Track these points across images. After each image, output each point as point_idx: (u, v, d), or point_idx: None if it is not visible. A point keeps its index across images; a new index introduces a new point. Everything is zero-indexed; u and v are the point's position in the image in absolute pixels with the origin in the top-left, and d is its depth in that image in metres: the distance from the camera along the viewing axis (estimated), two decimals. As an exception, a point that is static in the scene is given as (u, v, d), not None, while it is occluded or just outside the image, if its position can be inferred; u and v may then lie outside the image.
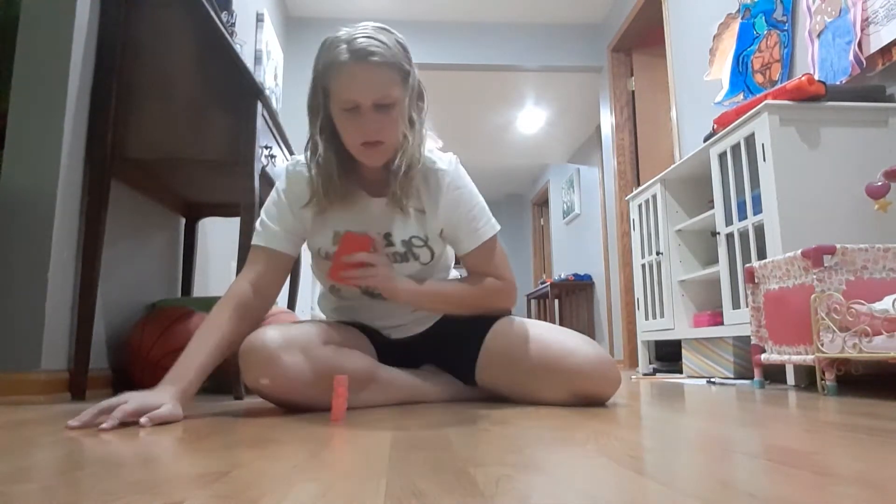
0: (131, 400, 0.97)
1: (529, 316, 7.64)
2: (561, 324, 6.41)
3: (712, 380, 2.38)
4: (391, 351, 1.38)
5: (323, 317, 1.50)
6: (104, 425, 0.91)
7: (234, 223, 1.92)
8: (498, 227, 1.34)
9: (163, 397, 1.01)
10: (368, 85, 1.11)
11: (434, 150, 1.30)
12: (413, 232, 1.28)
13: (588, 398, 1.25)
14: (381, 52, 1.11)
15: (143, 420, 0.94)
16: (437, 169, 1.27)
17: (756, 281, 1.97)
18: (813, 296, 1.61)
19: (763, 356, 1.90)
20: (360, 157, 1.19)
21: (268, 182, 1.91)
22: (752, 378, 2.02)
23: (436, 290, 1.30)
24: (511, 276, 1.36)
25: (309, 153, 1.23)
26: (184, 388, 1.06)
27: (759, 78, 2.71)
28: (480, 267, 1.33)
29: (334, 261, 1.20)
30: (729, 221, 2.36)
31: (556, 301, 6.64)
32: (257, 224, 1.29)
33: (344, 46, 1.11)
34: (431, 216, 1.28)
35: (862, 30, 2.07)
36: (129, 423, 0.95)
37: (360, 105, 1.12)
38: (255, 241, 1.28)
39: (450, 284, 1.36)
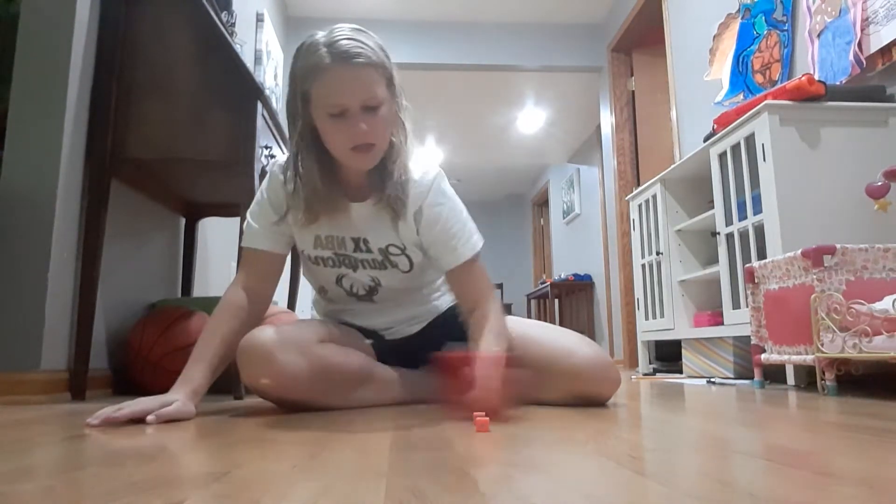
0: (145, 401, 1.02)
1: (529, 316, 7.64)
2: (561, 324, 6.41)
3: (712, 380, 2.38)
4: (390, 351, 1.38)
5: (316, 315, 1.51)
6: (116, 414, 0.97)
7: (234, 223, 1.92)
8: (479, 247, 1.28)
9: (173, 397, 1.06)
10: (355, 87, 1.08)
11: (419, 159, 1.27)
12: (390, 240, 1.27)
13: (587, 399, 1.25)
14: (366, 54, 1.08)
15: (149, 418, 0.99)
16: (414, 181, 1.24)
17: (756, 281, 1.96)
18: (813, 296, 1.61)
19: (763, 356, 1.90)
20: (350, 161, 1.16)
21: (268, 182, 1.91)
22: (752, 378, 2.02)
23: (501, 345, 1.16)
24: (492, 290, 1.29)
25: (290, 166, 1.19)
26: (193, 387, 1.10)
27: (759, 78, 2.71)
28: (461, 284, 1.28)
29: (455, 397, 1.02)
30: (729, 221, 2.36)
31: (556, 301, 6.64)
32: (245, 225, 1.30)
33: (324, 50, 1.07)
34: (404, 227, 1.25)
35: (862, 30, 2.07)
36: (139, 421, 0.99)
37: (348, 109, 1.09)
38: (243, 242, 1.29)
39: (493, 337, 1.17)
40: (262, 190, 1.28)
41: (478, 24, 4.70)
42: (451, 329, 1.38)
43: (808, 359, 1.67)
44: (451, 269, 1.27)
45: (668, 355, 3.23)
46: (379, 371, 1.31)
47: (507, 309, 7.60)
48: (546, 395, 1.27)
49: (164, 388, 1.09)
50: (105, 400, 1.59)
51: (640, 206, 3.28)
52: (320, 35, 1.10)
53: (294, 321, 1.33)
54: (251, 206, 1.29)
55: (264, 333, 1.15)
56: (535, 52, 4.74)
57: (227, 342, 1.17)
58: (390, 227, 1.26)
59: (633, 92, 4.50)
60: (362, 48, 1.08)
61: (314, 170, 1.17)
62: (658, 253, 3.02)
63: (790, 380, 1.96)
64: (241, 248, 1.31)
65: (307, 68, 1.09)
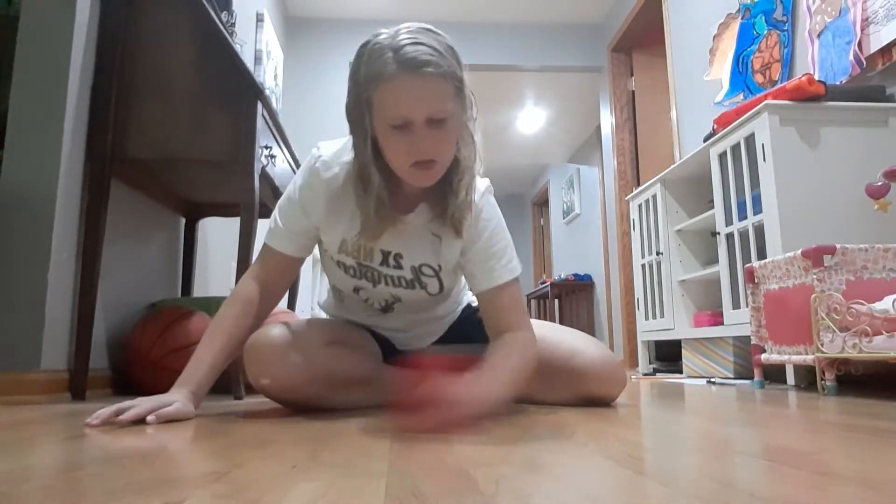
0: (145, 401, 1.01)
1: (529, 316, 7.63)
2: (561, 324, 6.40)
3: (712, 380, 2.38)
4: (396, 353, 1.38)
5: (324, 314, 1.50)
6: (121, 417, 0.96)
7: (234, 223, 1.92)
8: (518, 272, 1.18)
9: (173, 397, 1.04)
10: (421, 99, 0.98)
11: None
12: (425, 259, 1.19)
13: (594, 399, 1.25)
14: (435, 62, 0.98)
15: (149, 418, 0.97)
16: (475, 201, 1.15)
17: (756, 281, 1.96)
18: (813, 296, 1.61)
19: (763, 356, 1.90)
20: (410, 178, 1.06)
21: (268, 182, 1.91)
22: (752, 378, 2.02)
23: (505, 381, 1.05)
24: (528, 324, 1.17)
25: (357, 176, 1.10)
26: (193, 388, 1.08)
27: (759, 78, 2.71)
28: (491, 310, 1.18)
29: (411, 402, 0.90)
30: (729, 221, 2.36)
31: (556, 301, 6.64)
32: (271, 219, 1.23)
33: (390, 55, 0.97)
34: (447, 244, 1.16)
35: (862, 30, 2.07)
36: (139, 420, 0.99)
37: (412, 121, 0.99)
38: (265, 238, 1.23)
39: (505, 370, 1.07)
40: (296, 188, 1.17)
41: (478, 24, 4.70)
42: (462, 336, 1.38)
43: (808, 359, 1.67)
44: (484, 292, 1.16)
45: (668, 355, 3.23)
46: (385, 373, 1.31)
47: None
48: (552, 396, 1.27)
49: (164, 388, 1.09)
50: (105, 400, 1.59)
51: (640, 206, 3.28)
52: (385, 37, 1.01)
53: (301, 320, 1.32)
54: (281, 202, 1.20)
55: (272, 332, 1.15)
56: (535, 52, 4.74)
57: (234, 338, 1.14)
58: (429, 245, 1.17)
59: (633, 92, 4.50)
60: (432, 55, 0.98)
61: (381, 184, 1.07)
62: (658, 253, 3.02)
63: (790, 380, 1.96)
64: (241, 241, 1.27)
65: (371, 75, 0.99)
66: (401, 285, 1.21)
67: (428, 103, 0.99)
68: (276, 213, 1.21)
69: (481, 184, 1.18)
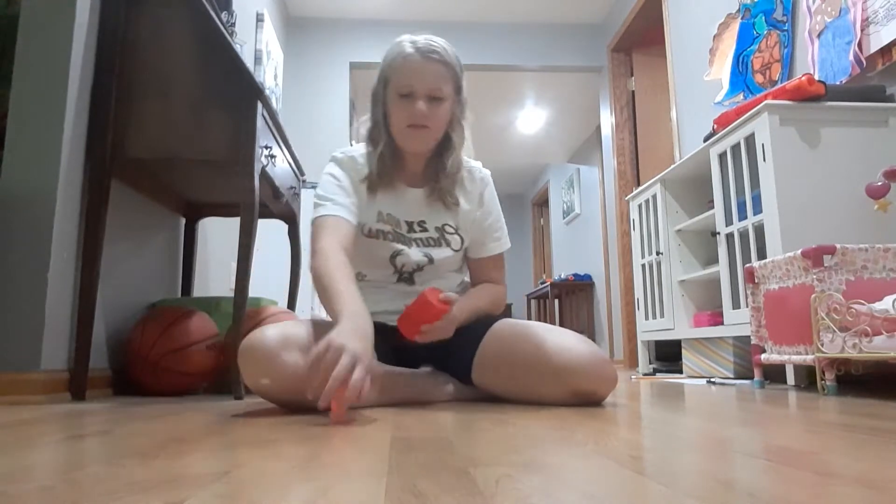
0: (347, 357, 0.95)
1: (529, 316, 7.64)
2: (561, 324, 6.41)
3: (712, 380, 2.38)
4: (390, 350, 1.38)
5: (324, 313, 1.50)
6: (347, 395, 0.93)
7: (234, 223, 1.92)
8: (507, 247, 1.55)
9: (353, 343, 0.98)
10: (426, 75, 1.30)
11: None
12: (446, 220, 1.45)
13: (584, 396, 1.25)
14: (441, 53, 1.32)
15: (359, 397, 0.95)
16: (480, 169, 1.50)
17: (756, 281, 1.97)
18: (813, 296, 1.61)
19: (763, 356, 1.90)
20: (405, 139, 1.36)
21: (268, 182, 1.91)
22: (752, 378, 2.02)
23: (472, 308, 1.41)
24: (504, 281, 1.56)
25: (369, 134, 1.41)
26: (363, 325, 1.07)
27: (759, 78, 2.71)
28: (487, 272, 1.52)
29: (411, 318, 1.27)
30: (729, 221, 2.36)
31: (556, 301, 6.64)
32: (319, 203, 1.34)
33: (409, 43, 1.32)
34: (469, 208, 1.45)
35: (862, 30, 2.07)
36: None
37: (415, 92, 1.31)
38: (329, 212, 1.31)
39: (474, 301, 1.45)
40: (332, 175, 1.39)
41: (478, 24, 4.70)
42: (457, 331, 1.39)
43: (808, 359, 1.67)
44: (487, 258, 1.51)
45: (668, 355, 3.23)
46: (380, 372, 1.31)
47: (507, 309, 7.61)
48: (542, 394, 1.27)
49: (164, 389, 1.09)
50: (105, 400, 1.59)
51: (640, 206, 3.28)
52: (408, 36, 1.35)
53: (295, 321, 1.33)
54: (324, 189, 1.36)
55: (267, 334, 1.15)
56: (535, 52, 4.74)
57: (349, 273, 1.21)
58: (444, 210, 1.44)
59: (633, 92, 4.50)
60: (439, 49, 1.32)
61: (382, 141, 1.38)
62: (658, 253, 3.02)
63: (790, 380, 1.96)
64: (319, 221, 1.32)
65: (391, 57, 1.34)
66: (430, 244, 1.45)
67: (430, 80, 1.31)
68: (327, 196, 1.35)
69: (478, 163, 1.50)
